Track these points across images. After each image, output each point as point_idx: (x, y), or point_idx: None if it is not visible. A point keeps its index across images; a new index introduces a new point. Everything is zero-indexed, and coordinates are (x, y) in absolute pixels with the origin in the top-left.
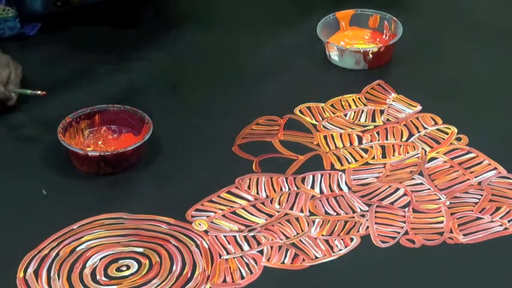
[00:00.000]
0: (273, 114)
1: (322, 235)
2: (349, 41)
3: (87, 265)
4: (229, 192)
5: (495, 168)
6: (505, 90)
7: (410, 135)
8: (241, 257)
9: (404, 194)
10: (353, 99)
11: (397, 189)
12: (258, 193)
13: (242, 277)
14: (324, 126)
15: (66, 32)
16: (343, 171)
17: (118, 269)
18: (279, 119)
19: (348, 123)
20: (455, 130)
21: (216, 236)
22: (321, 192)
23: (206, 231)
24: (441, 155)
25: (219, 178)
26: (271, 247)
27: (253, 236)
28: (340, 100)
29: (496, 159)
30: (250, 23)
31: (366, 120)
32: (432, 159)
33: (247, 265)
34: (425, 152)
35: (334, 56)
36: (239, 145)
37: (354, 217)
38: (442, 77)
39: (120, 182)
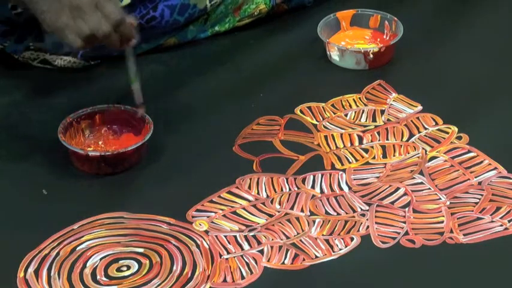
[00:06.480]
0: (274, 114)
1: (323, 235)
2: (349, 41)
3: (87, 265)
4: (229, 192)
5: (495, 168)
6: (506, 90)
7: (411, 135)
8: (242, 256)
9: (405, 194)
10: (354, 99)
11: (398, 188)
12: (258, 193)
13: (242, 277)
14: (324, 126)
15: None
16: (344, 170)
17: (118, 269)
18: (280, 119)
19: (348, 123)
20: (456, 130)
21: (216, 236)
22: (322, 192)
23: (206, 231)
24: (441, 154)
25: (220, 178)
26: (272, 247)
27: (254, 236)
28: (341, 100)
29: (496, 159)
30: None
31: (366, 120)
32: (432, 158)
33: (248, 265)
34: (426, 151)
35: (334, 56)
36: (239, 145)
37: (354, 216)
38: (443, 77)
39: (121, 182)
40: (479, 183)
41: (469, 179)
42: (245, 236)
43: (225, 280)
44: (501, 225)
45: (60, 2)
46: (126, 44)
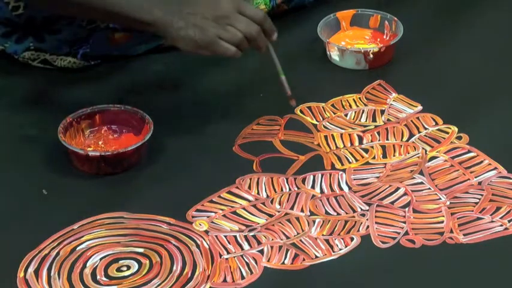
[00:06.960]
0: (274, 114)
1: (323, 235)
2: (349, 41)
3: (87, 265)
4: (229, 192)
5: (495, 168)
6: (506, 90)
7: (411, 135)
8: (242, 256)
9: (405, 194)
10: (354, 99)
11: (398, 188)
12: (258, 193)
13: (242, 277)
14: (324, 126)
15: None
16: (344, 171)
17: (118, 269)
18: (280, 119)
19: (348, 123)
20: (456, 130)
21: (216, 236)
22: (322, 192)
23: (206, 231)
24: (441, 154)
25: (220, 178)
26: (272, 247)
27: (254, 236)
28: (341, 100)
29: (496, 159)
30: None
31: (366, 120)
32: (432, 158)
33: (248, 265)
34: (426, 151)
35: (334, 56)
36: (240, 145)
37: (354, 216)
38: (443, 77)
39: (120, 182)
40: (479, 183)
41: (469, 179)
42: (245, 236)
43: (225, 280)
44: (501, 225)
45: (201, 15)
46: (269, 39)
